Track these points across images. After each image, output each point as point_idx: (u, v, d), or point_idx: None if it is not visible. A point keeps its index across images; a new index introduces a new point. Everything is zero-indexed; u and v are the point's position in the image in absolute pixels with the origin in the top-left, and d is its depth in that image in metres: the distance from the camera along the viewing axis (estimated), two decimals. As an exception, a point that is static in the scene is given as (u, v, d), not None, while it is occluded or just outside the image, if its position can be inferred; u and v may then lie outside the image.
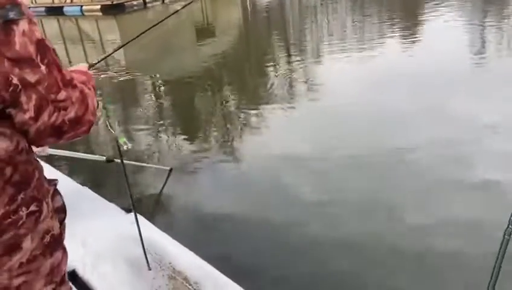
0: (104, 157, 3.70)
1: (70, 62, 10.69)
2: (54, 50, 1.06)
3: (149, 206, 3.85)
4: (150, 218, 2.97)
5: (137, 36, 2.18)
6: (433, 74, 6.42)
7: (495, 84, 5.82)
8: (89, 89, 1.21)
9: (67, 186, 3.22)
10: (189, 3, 2.46)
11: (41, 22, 18.76)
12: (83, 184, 3.48)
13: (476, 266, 2.54)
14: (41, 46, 1.01)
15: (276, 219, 3.48)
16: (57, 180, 1.24)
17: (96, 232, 2.62)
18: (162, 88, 8.25)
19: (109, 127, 1.88)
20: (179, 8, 2.60)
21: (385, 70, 7.02)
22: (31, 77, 0.98)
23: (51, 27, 17.74)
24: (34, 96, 1.00)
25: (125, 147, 2.06)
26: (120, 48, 2.33)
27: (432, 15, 10.84)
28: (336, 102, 5.95)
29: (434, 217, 3.32)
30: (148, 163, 4.49)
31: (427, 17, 10.85)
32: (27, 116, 1.00)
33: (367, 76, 6.89)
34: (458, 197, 3.57)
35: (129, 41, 2.21)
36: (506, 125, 4.62)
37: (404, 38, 9.25)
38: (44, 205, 1.12)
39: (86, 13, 19.12)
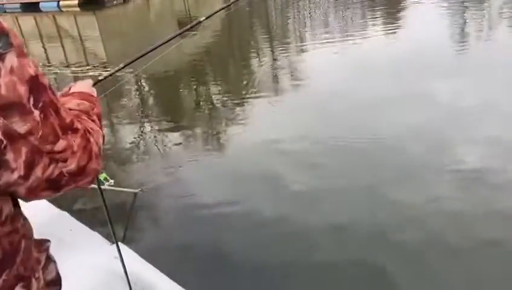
0: None
1: (49, 62, 10.29)
2: (49, 86, 0.82)
3: (134, 233, 3.56)
4: (136, 246, 2.77)
5: (151, 50, 1.89)
6: (414, 60, 6.46)
7: (476, 68, 5.90)
8: (93, 120, 0.99)
9: (44, 210, 2.98)
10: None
11: (16, 19, 18.14)
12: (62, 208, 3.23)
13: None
14: (35, 85, 0.78)
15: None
16: (49, 242, 1.02)
17: (76, 269, 2.39)
18: (144, 82, 7.98)
19: None
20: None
21: (367, 58, 7.05)
22: (21, 127, 0.76)
23: (27, 24, 17.15)
24: (24, 150, 0.77)
25: (106, 185, 1.83)
26: (131, 62, 1.95)
27: (414, 1, 10.83)
28: (320, 90, 5.99)
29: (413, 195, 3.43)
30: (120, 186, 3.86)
31: (409, 3, 10.87)
32: (15, 175, 0.78)
33: (350, 64, 6.93)
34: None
35: (140, 56, 1.90)
36: (486, 109, 4.69)
37: (387, 26, 9.23)
38: (33, 282, 0.90)
39: (63, 9, 18.52)
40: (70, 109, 0.95)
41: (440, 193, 3.49)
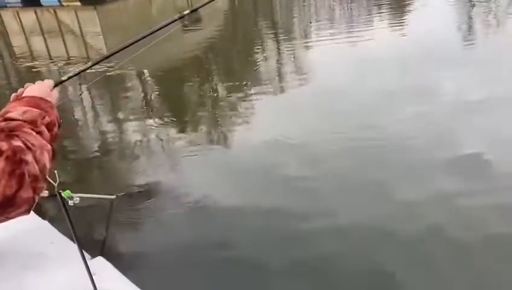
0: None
1: (50, 57, 10.16)
2: None
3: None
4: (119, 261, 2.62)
5: (129, 45, 1.75)
6: (420, 54, 6.37)
7: (482, 63, 5.82)
8: (39, 132, 0.84)
9: (26, 220, 2.84)
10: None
11: (17, 13, 17.99)
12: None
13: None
14: None
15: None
16: None
17: (50, 287, 2.26)
18: (148, 78, 7.85)
19: (47, 177, 1.50)
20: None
21: (373, 52, 6.96)
22: None
23: (28, 19, 17.00)
24: None
25: (70, 203, 1.69)
26: (101, 60, 1.81)
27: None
28: (325, 84, 5.90)
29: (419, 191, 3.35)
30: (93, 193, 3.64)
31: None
32: None
33: (355, 58, 6.83)
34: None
35: (112, 54, 1.77)
36: (492, 102, 4.64)
37: (393, 20, 9.07)
38: None
39: (64, 3, 18.34)
40: (12, 119, 0.82)
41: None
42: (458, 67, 5.87)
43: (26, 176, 0.77)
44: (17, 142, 0.77)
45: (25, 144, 0.79)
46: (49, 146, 0.86)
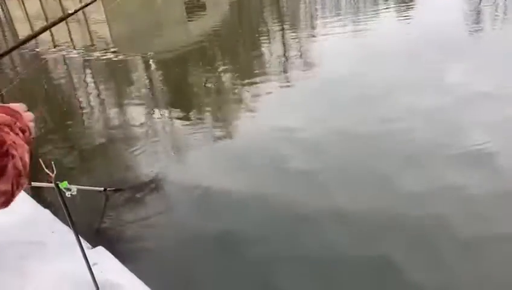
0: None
1: (54, 45, 10.11)
2: None
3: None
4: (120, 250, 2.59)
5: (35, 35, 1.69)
6: (426, 46, 6.27)
7: (489, 56, 5.69)
8: (17, 134, 0.87)
9: (28, 209, 2.83)
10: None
11: (22, 2, 17.94)
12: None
13: None
14: None
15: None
16: None
17: (52, 276, 2.24)
18: (153, 65, 7.81)
19: (44, 167, 1.46)
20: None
21: (379, 44, 6.85)
22: None
23: (32, 7, 16.96)
24: None
25: (68, 194, 1.66)
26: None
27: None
28: (329, 75, 5.84)
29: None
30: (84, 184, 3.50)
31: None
32: None
33: (361, 49, 6.72)
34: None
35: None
36: (499, 93, 4.57)
37: (399, 11, 8.90)
38: None
39: (69, -9, 18.23)
40: None
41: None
42: (466, 58, 5.78)
43: (9, 168, 0.77)
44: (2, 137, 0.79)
45: (10, 140, 0.81)
46: (27, 146, 0.88)
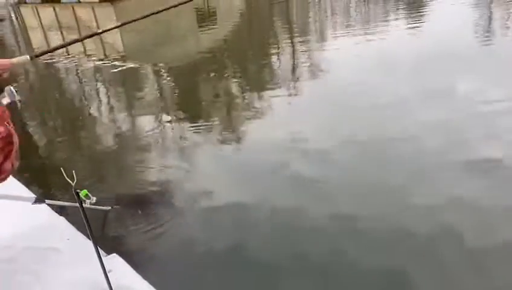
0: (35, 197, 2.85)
1: (68, 53, 10.27)
2: None
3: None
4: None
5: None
6: (436, 57, 6.29)
7: (499, 68, 5.68)
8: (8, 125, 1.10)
9: (43, 217, 2.88)
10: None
11: (36, 10, 18.29)
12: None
13: None
14: None
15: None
16: None
17: (66, 282, 2.28)
18: (165, 75, 7.90)
19: (65, 175, 1.50)
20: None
21: (389, 53, 6.88)
22: None
23: (46, 16, 17.26)
24: None
25: (87, 203, 1.71)
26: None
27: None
28: (339, 84, 5.88)
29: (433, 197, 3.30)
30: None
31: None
32: None
33: (371, 58, 6.75)
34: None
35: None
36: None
37: (409, 20, 8.96)
38: None
39: (82, 0, 18.57)
40: None
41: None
42: (477, 67, 5.79)
43: (13, 153, 1.08)
44: (7, 127, 1.06)
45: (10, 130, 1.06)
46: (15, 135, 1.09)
